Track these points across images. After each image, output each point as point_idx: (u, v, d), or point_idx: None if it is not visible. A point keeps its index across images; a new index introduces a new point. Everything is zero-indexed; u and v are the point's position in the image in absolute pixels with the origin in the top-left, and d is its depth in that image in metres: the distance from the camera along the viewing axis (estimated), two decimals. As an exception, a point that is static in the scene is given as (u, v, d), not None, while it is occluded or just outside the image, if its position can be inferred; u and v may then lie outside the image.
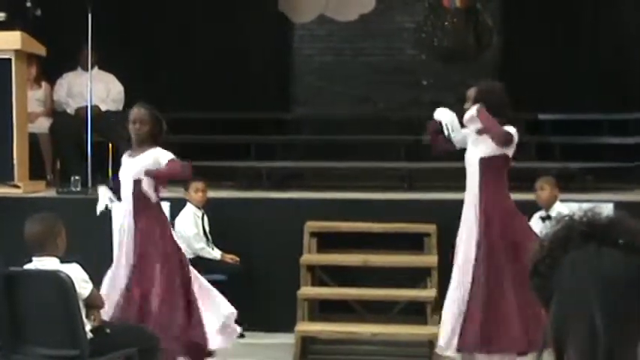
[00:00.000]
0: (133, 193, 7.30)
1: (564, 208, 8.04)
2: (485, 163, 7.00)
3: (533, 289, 1.87)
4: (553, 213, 8.24)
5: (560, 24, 13.03)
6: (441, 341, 7.07)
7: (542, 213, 8.43)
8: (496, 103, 6.97)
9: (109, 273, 7.25)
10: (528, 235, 6.94)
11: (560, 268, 1.80)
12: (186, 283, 7.41)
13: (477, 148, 7.05)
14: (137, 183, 7.30)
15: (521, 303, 6.71)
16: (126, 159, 7.42)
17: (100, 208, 7.59)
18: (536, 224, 8.33)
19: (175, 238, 7.97)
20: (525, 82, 12.68)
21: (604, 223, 1.84)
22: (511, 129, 6.98)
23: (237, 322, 8.61)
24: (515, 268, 6.78)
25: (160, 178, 7.29)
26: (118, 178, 7.61)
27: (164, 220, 7.52)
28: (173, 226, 8.95)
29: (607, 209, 1.92)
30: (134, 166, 7.31)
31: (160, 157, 7.31)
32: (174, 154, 10.87)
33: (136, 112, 7.38)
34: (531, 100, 12.32)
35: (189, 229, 8.87)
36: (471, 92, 7.07)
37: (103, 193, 7.58)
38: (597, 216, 1.85)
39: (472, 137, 7.10)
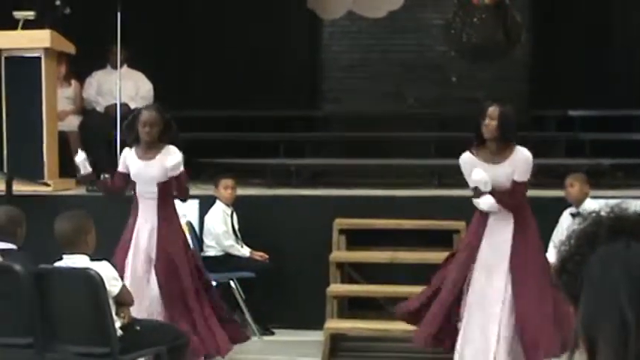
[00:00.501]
0: (159, 195, 7.35)
1: (595, 204, 7.98)
2: (514, 187, 6.94)
3: (561, 286, 1.85)
4: (583, 210, 8.18)
5: (590, 19, 12.95)
6: None
7: (572, 209, 8.38)
8: (513, 124, 6.94)
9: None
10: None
11: (589, 264, 1.78)
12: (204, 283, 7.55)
13: (505, 178, 6.93)
14: (161, 185, 7.34)
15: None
16: (136, 161, 7.44)
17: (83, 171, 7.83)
18: (566, 220, 8.29)
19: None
20: (555, 78, 12.65)
21: (632, 218, 1.82)
22: (524, 151, 6.94)
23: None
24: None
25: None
26: (113, 175, 7.69)
27: (180, 223, 7.68)
28: (203, 224, 9.02)
29: (635, 205, 1.90)
30: (155, 168, 7.34)
31: (177, 163, 7.35)
32: (205, 151, 10.97)
33: (147, 115, 7.40)
34: (561, 97, 12.28)
35: (219, 227, 8.88)
36: (494, 112, 6.87)
37: (81, 161, 7.71)
38: (625, 211, 1.83)
39: (488, 168, 6.97)
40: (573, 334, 1.81)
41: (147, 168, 7.37)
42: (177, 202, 7.75)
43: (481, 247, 6.97)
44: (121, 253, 7.32)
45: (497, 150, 6.88)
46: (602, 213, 1.84)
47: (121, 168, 7.60)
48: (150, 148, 7.40)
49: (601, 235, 1.80)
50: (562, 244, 1.87)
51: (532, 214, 7.05)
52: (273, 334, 8.93)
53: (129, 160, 7.50)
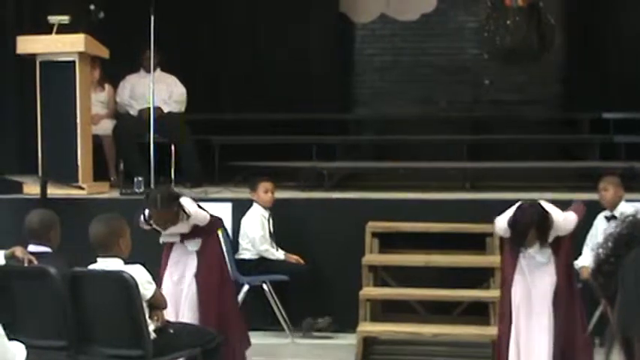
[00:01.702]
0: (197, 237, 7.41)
1: (630, 208, 7.92)
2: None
3: (598, 287, 1.85)
4: (618, 213, 8.13)
5: (625, 21, 12.88)
6: None
7: (607, 213, 8.33)
8: (550, 222, 6.75)
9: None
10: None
11: (624, 266, 1.78)
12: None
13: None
14: (194, 230, 7.38)
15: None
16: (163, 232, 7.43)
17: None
18: (601, 224, 8.23)
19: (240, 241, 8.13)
20: (589, 80, 12.58)
21: None
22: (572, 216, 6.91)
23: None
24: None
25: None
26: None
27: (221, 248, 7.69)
28: (236, 226, 9.02)
29: None
30: (181, 227, 7.34)
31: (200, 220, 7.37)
32: (237, 154, 11.01)
33: (158, 215, 7.15)
34: (595, 99, 12.22)
35: (256, 231, 8.87)
36: (533, 236, 6.64)
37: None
38: None
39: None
40: (610, 334, 1.80)
41: (172, 229, 7.37)
42: (210, 205, 7.79)
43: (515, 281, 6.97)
44: (162, 272, 7.41)
45: None
46: (639, 216, 1.84)
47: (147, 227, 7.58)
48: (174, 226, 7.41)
49: (637, 236, 1.80)
50: (599, 247, 1.87)
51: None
52: (332, 330, 8.90)
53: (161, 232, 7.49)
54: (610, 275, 1.80)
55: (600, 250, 1.86)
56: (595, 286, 1.86)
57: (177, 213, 7.13)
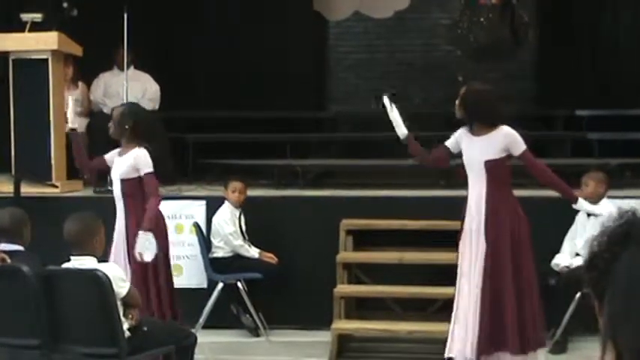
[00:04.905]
0: (123, 193, 7.32)
1: (610, 205, 7.87)
2: (490, 165, 6.92)
3: (588, 283, 1.83)
4: (598, 210, 8.07)
5: (597, 18, 12.94)
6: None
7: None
8: (478, 105, 6.93)
9: None
10: (527, 237, 6.91)
11: (617, 265, 1.76)
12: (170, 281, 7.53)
13: (480, 151, 6.95)
14: (124, 182, 7.31)
15: (521, 305, 6.78)
16: (116, 158, 7.45)
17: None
18: (582, 219, 8.17)
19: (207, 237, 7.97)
20: (562, 77, 12.63)
21: None
22: (505, 127, 6.94)
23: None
24: (516, 271, 6.81)
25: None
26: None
27: (158, 219, 7.46)
28: (210, 224, 9.01)
29: None
30: (121, 165, 7.34)
31: (140, 164, 7.29)
32: (211, 152, 10.98)
33: (113, 112, 7.56)
34: (568, 96, 12.26)
35: (227, 227, 8.88)
36: (460, 93, 7.05)
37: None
38: None
39: (469, 140, 7.02)
40: (601, 334, 1.79)
41: (117, 164, 7.39)
42: (184, 202, 7.77)
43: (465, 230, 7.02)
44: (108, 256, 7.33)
45: (478, 128, 6.95)
46: (638, 213, 1.83)
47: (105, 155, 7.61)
48: (126, 147, 7.42)
49: (633, 235, 1.78)
50: (593, 240, 1.84)
51: (519, 205, 7.04)
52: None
53: (110, 156, 7.53)
54: (602, 271, 1.78)
55: (594, 244, 1.83)
56: (585, 279, 1.84)
57: (125, 124, 7.36)
